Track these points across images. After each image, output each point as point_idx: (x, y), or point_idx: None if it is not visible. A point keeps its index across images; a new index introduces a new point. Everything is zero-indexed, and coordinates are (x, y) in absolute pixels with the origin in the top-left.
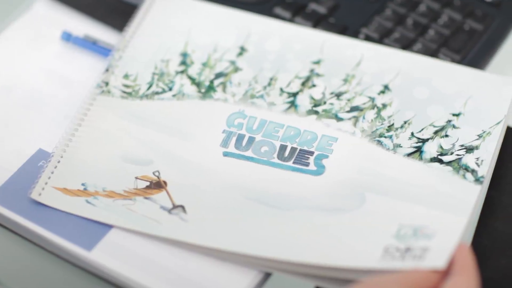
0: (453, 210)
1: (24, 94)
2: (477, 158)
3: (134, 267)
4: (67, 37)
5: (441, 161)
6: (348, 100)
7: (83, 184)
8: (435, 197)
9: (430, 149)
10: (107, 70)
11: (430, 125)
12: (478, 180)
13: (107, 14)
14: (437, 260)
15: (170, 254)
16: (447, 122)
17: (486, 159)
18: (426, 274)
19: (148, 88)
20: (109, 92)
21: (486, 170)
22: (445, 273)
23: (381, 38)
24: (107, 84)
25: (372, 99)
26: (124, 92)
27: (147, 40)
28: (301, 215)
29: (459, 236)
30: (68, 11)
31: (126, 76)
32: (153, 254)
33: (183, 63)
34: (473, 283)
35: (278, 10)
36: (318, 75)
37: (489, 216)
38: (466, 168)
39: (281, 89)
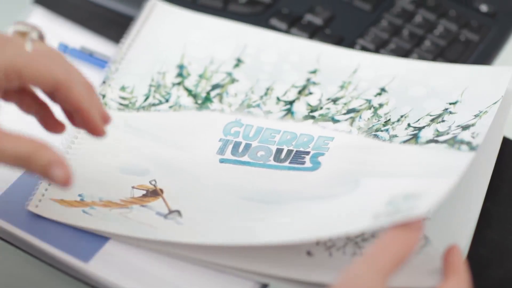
0: (444, 175)
1: None
2: (473, 133)
3: (131, 279)
4: (64, 48)
5: (437, 141)
6: (345, 104)
7: (80, 195)
8: (427, 168)
9: (426, 134)
10: (103, 82)
11: (426, 115)
12: (473, 148)
13: (103, 26)
14: (423, 210)
15: (167, 265)
16: (444, 110)
17: (481, 132)
18: (399, 239)
19: (145, 100)
20: (106, 104)
21: (481, 139)
22: (419, 226)
23: (377, 49)
24: (104, 96)
25: (368, 101)
26: (121, 104)
27: (144, 52)
28: (297, 206)
29: (447, 192)
30: (64, 22)
31: (122, 88)
32: (150, 265)
33: (180, 75)
34: (464, 286)
35: (274, 22)
36: (314, 83)
37: (486, 227)
38: (461, 142)
39: (278, 98)
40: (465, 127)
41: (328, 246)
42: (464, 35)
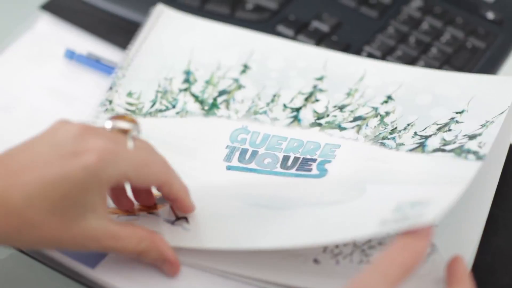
0: (451, 183)
1: (27, 112)
2: (480, 142)
3: (137, 285)
4: (71, 54)
5: (443, 150)
6: (351, 111)
7: None
8: (434, 176)
9: (433, 143)
10: (110, 88)
11: (433, 124)
12: (480, 158)
13: (110, 32)
14: (430, 218)
15: None
16: (450, 119)
17: (488, 142)
18: (408, 248)
19: (152, 106)
20: (112, 110)
21: (488, 149)
22: (428, 234)
23: (384, 56)
24: (110, 102)
25: (375, 109)
26: (128, 110)
27: (151, 58)
28: (303, 212)
29: (454, 200)
30: (70, 28)
31: (129, 94)
32: (156, 271)
33: (187, 81)
34: None
35: (281, 28)
36: (321, 90)
37: (493, 234)
38: (468, 151)
39: (284, 105)
40: (472, 137)
41: (335, 253)
42: (470, 42)
